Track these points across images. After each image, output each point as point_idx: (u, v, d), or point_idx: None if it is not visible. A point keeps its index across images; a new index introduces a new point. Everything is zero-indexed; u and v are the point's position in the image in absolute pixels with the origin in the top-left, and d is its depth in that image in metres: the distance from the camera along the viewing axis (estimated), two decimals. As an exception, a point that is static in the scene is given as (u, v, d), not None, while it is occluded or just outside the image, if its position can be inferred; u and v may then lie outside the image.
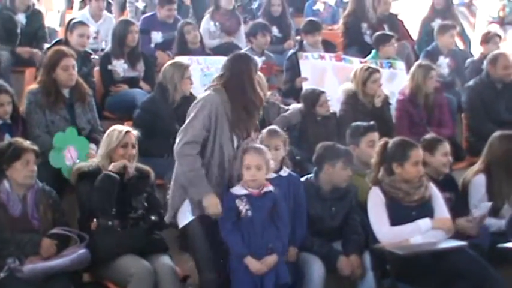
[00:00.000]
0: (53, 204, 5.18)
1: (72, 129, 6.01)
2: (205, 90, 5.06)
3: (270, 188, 5.02)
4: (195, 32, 8.59)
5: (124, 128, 5.43)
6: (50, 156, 5.79)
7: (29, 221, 5.03)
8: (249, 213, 4.90)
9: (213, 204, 4.77)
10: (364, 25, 9.70)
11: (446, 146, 5.89)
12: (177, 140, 4.83)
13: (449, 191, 5.74)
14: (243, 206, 4.91)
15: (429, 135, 6.06)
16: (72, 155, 5.87)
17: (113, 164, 5.18)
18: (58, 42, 7.49)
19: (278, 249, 4.93)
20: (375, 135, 6.10)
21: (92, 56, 7.60)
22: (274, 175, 5.40)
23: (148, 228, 5.20)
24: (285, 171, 5.49)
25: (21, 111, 6.18)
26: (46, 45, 7.89)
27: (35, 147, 5.18)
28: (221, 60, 8.00)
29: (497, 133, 6.19)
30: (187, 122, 4.86)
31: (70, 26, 7.46)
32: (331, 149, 5.62)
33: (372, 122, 6.28)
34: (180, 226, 4.99)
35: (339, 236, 5.57)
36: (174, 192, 4.98)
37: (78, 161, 5.84)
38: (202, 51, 8.60)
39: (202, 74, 7.94)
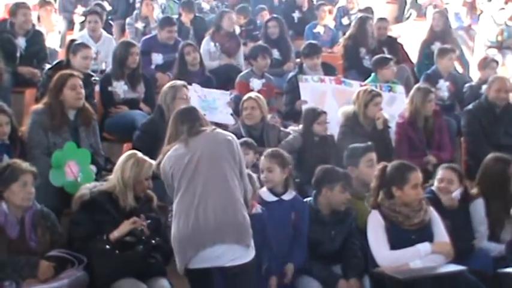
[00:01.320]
0: (51, 226, 5.13)
1: (70, 144, 5.97)
2: None
3: (258, 209, 5.12)
4: (194, 54, 8.60)
5: (148, 159, 5.33)
6: (50, 175, 5.74)
7: (26, 243, 4.98)
8: None
9: None
10: (363, 50, 9.73)
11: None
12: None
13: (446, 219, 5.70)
14: None
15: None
16: (73, 169, 5.82)
17: (129, 225, 5.09)
18: (59, 64, 7.50)
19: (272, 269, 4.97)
20: (373, 155, 6.12)
21: (93, 78, 7.60)
22: (275, 198, 5.41)
23: (148, 252, 5.17)
24: (289, 194, 5.51)
25: (21, 132, 6.16)
26: (47, 66, 7.88)
27: (33, 169, 5.12)
28: (217, 93, 8.11)
29: (491, 156, 6.23)
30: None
31: (73, 48, 7.44)
32: (330, 172, 5.62)
33: (369, 143, 6.29)
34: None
35: (339, 260, 5.56)
36: None
37: (81, 174, 5.83)
38: (202, 73, 8.60)
39: (201, 100, 7.94)
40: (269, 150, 5.78)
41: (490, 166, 6.17)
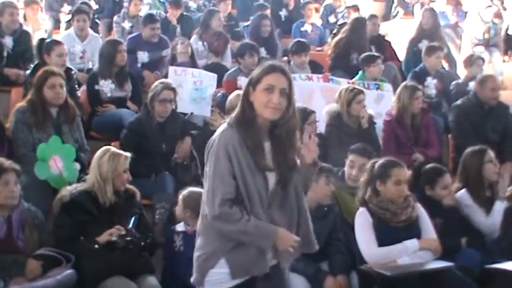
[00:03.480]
0: (38, 224, 5.12)
1: (56, 138, 5.98)
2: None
3: None
4: (187, 46, 8.61)
5: (123, 152, 5.36)
6: (35, 167, 5.75)
7: (14, 242, 4.97)
8: (182, 248, 5.36)
9: (286, 240, 3.71)
10: (355, 54, 9.70)
11: (448, 179, 5.93)
12: (207, 200, 3.69)
13: (438, 216, 5.73)
14: (178, 241, 5.40)
15: (429, 166, 6.07)
16: (57, 163, 5.83)
17: (109, 234, 5.07)
18: (36, 66, 7.41)
19: None
20: (357, 158, 6.10)
21: (73, 72, 7.58)
22: None
23: (137, 252, 5.16)
24: None
25: (7, 130, 6.14)
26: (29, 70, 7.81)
27: (16, 167, 5.09)
28: (213, 77, 8.10)
29: (468, 150, 6.28)
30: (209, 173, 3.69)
31: (46, 47, 7.42)
32: None
33: (355, 146, 6.28)
34: None
35: (324, 257, 5.55)
36: (205, 252, 3.79)
37: (64, 169, 5.83)
38: (192, 66, 8.58)
39: (194, 87, 7.94)
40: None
41: (467, 159, 6.24)
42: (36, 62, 7.65)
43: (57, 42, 7.56)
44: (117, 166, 5.24)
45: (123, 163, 5.28)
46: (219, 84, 8.38)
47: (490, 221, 5.95)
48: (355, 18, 10.37)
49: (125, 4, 10.79)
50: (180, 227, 5.49)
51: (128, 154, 5.32)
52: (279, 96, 3.59)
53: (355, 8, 12.48)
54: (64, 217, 5.16)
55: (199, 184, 6.31)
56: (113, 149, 5.38)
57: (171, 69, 8.08)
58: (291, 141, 3.72)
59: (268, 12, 11.88)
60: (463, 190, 6.12)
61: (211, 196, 3.61)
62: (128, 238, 5.07)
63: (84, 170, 6.05)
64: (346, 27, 10.09)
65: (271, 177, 3.70)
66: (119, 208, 5.24)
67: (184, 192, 5.53)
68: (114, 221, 5.15)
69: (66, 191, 5.29)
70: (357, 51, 9.62)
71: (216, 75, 8.22)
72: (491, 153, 6.22)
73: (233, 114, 3.67)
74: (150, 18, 9.36)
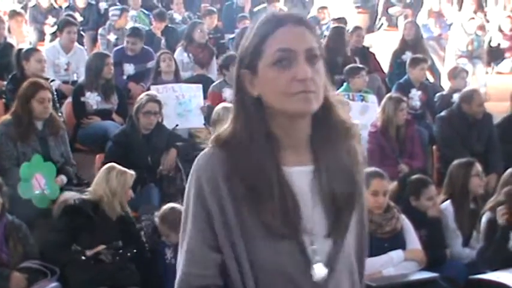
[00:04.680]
0: (22, 237, 5.11)
1: (38, 157, 5.97)
2: None
3: None
4: (170, 62, 8.57)
5: (128, 170, 5.49)
6: (19, 187, 5.74)
7: (-2, 254, 4.96)
8: (173, 260, 5.22)
9: None
10: (340, 59, 9.75)
11: (433, 190, 5.94)
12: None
13: (422, 228, 5.74)
14: (169, 254, 5.40)
15: (415, 177, 6.08)
16: (40, 182, 5.82)
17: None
18: (14, 76, 7.39)
19: None
20: None
21: (51, 79, 7.56)
22: None
23: (123, 263, 5.16)
24: None
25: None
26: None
27: None
28: (195, 88, 8.11)
29: (455, 162, 6.29)
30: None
31: (24, 55, 7.39)
32: None
33: None
34: None
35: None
36: None
37: (47, 187, 5.81)
38: (176, 82, 8.56)
39: (177, 102, 7.94)
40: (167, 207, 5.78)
41: (454, 171, 6.25)
42: (13, 72, 7.59)
43: (35, 49, 7.60)
44: (125, 182, 5.38)
45: (130, 180, 5.44)
46: (204, 96, 8.39)
47: (467, 252, 5.96)
48: (334, 27, 10.42)
49: (112, 16, 10.76)
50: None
51: (133, 172, 5.47)
52: (307, 64, 1.91)
53: (342, 20, 12.53)
54: (63, 221, 5.23)
55: (185, 196, 6.36)
56: (118, 166, 5.47)
57: (153, 88, 8.01)
58: (353, 156, 2.02)
59: (248, 23, 11.94)
60: (448, 202, 6.13)
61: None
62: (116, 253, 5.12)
63: (70, 183, 6.05)
64: (326, 38, 10.18)
65: (319, 244, 1.94)
66: (124, 220, 5.39)
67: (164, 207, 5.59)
68: (101, 233, 5.15)
69: (70, 195, 5.38)
70: (339, 54, 9.69)
71: (200, 86, 8.23)
72: (478, 167, 6.23)
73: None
74: (131, 32, 9.38)
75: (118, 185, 5.31)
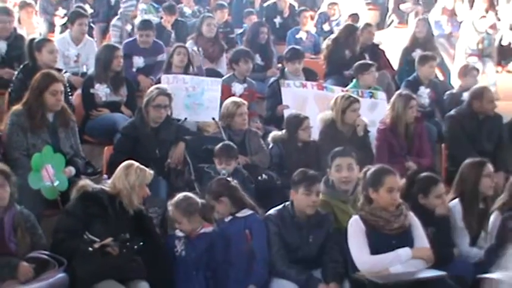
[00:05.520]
0: (30, 227, 5.11)
1: (49, 148, 5.96)
2: None
3: (208, 229, 5.42)
4: (184, 57, 8.53)
5: (146, 168, 5.50)
6: (29, 178, 5.73)
7: (6, 244, 4.94)
8: (183, 253, 5.41)
9: None
10: (347, 51, 9.75)
11: (441, 188, 5.93)
12: None
13: (430, 226, 5.71)
14: (179, 246, 5.44)
15: (424, 174, 6.05)
16: (49, 173, 5.82)
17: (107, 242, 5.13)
18: (26, 66, 7.37)
19: None
20: (342, 159, 6.05)
21: (64, 71, 7.56)
22: (230, 217, 5.60)
23: (130, 256, 5.17)
24: (243, 213, 5.60)
25: (1, 132, 6.12)
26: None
27: (4, 168, 5.06)
28: (208, 81, 8.11)
29: (467, 161, 6.27)
30: None
31: (36, 45, 7.34)
32: (298, 174, 5.64)
33: (334, 150, 6.25)
34: None
35: (318, 265, 5.54)
36: None
37: (55, 178, 5.82)
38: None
39: (186, 94, 7.95)
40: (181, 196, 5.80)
41: (465, 170, 6.22)
42: (25, 62, 7.57)
43: (47, 40, 7.53)
44: (144, 178, 5.39)
45: (148, 177, 5.44)
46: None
47: (475, 251, 5.93)
48: (345, 25, 10.43)
49: (129, 7, 10.73)
50: (180, 232, 5.54)
51: (152, 171, 5.50)
52: None
53: (355, 17, 12.55)
54: (79, 207, 5.22)
55: (192, 189, 6.38)
56: (137, 163, 5.48)
57: (164, 77, 8.07)
58: None
59: (254, 17, 11.95)
60: (456, 200, 6.11)
61: None
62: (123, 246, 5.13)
63: (78, 175, 6.05)
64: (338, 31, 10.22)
65: None
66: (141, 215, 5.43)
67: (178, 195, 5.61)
68: (111, 227, 5.18)
69: (88, 183, 5.39)
70: (348, 48, 9.67)
71: (220, 80, 8.25)
72: (490, 168, 6.18)
73: None
74: (142, 25, 9.34)
75: (137, 179, 5.33)
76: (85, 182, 5.39)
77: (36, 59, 7.30)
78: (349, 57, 9.69)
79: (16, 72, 7.47)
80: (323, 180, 5.86)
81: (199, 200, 5.57)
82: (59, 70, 7.33)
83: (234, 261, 5.43)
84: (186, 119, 7.75)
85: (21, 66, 7.49)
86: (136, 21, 10.29)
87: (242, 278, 5.39)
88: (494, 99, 7.92)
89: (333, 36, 10.29)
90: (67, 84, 7.30)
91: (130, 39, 9.56)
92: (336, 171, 5.98)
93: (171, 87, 7.51)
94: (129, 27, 10.36)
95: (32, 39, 7.62)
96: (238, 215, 5.60)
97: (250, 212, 5.63)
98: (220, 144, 6.58)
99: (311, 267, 5.51)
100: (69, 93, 7.35)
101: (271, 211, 5.66)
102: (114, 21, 10.61)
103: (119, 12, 10.78)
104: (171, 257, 5.45)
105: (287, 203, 5.65)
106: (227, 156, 6.44)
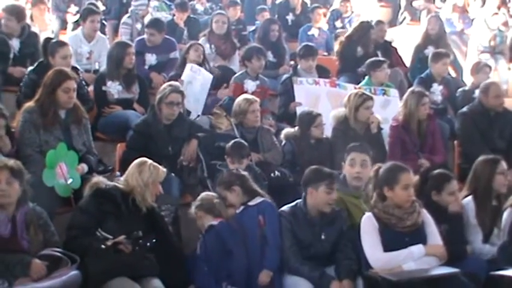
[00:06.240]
0: (43, 225, 5.10)
1: (62, 145, 5.97)
2: None
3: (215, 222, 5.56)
4: (199, 53, 8.58)
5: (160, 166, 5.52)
6: (43, 175, 5.74)
7: (18, 242, 4.94)
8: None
9: None
10: (359, 48, 9.74)
11: (455, 185, 5.91)
12: None
13: (443, 223, 5.69)
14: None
15: (437, 171, 6.04)
16: (63, 171, 5.83)
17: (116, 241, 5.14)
18: (40, 64, 7.36)
19: None
20: (357, 155, 6.07)
21: (80, 71, 7.57)
22: (242, 207, 5.62)
23: (142, 253, 5.18)
24: (255, 201, 5.63)
25: (13, 129, 6.13)
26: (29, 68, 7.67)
27: (11, 164, 5.00)
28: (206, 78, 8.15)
29: (481, 158, 6.25)
30: None
31: (50, 49, 7.30)
32: (315, 172, 5.63)
33: (351, 144, 6.26)
34: None
35: (331, 262, 5.54)
36: None
37: (69, 176, 5.83)
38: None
39: (200, 89, 8.00)
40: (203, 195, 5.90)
41: (479, 167, 6.20)
42: (40, 60, 7.57)
43: (62, 44, 7.45)
44: (158, 175, 5.40)
45: (162, 175, 5.45)
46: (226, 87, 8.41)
47: (487, 248, 5.91)
48: (360, 22, 10.41)
49: (140, 6, 10.74)
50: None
51: (165, 169, 5.51)
52: None
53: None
54: (92, 204, 5.24)
55: (205, 187, 6.38)
56: (150, 161, 5.49)
57: (189, 64, 8.16)
58: None
59: (267, 14, 11.93)
60: (469, 197, 6.09)
61: None
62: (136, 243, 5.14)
63: (91, 172, 6.06)
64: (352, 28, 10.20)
65: None
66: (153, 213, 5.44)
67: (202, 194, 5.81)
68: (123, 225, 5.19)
69: (100, 180, 5.40)
70: (360, 45, 9.65)
71: (211, 77, 8.27)
72: (504, 165, 6.16)
73: None
74: (150, 23, 9.38)
75: (150, 176, 5.34)
76: (98, 178, 5.40)
77: (50, 62, 7.29)
78: (361, 54, 9.66)
79: (28, 70, 7.47)
80: None
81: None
82: (75, 69, 7.35)
83: (249, 247, 5.45)
84: (198, 116, 7.76)
85: (36, 64, 7.49)
86: (146, 19, 10.30)
87: (256, 264, 5.41)
88: (500, 95, 7.90)
89: (346, 33, 10.27)
90: (83, 81, 7.34)
91: (142, 37, 9.56)
92: (349, 165, 6.01)
93: (192, 76, 7.57)
94: (139, 25, 10.35)
95: (48, 40, 7.63)
96: (251, 203, 5.62)
97: (261, 199, 5.65)
98: (231, 143, 6.56)
99: (324, 264, 5.51)
100: (86, 89, 7.38)
101: (284, 208, 5.66)
102: (124, 19, 10.60)
103: (129, 10, 10.77)
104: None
105: (299, 201, 5.65)
106: (239, 156, 6.43)
